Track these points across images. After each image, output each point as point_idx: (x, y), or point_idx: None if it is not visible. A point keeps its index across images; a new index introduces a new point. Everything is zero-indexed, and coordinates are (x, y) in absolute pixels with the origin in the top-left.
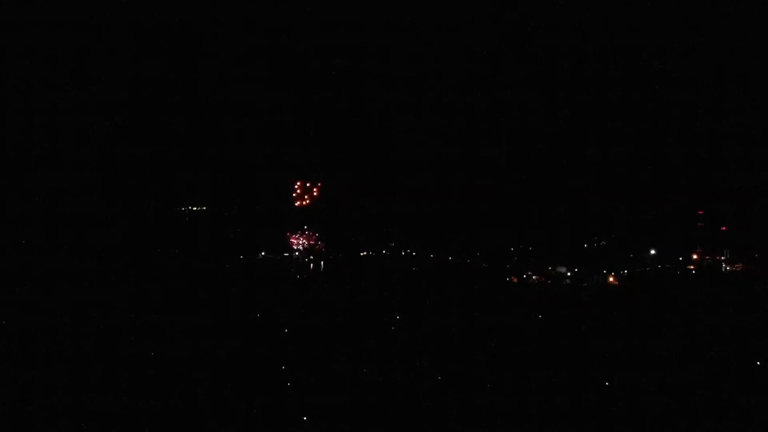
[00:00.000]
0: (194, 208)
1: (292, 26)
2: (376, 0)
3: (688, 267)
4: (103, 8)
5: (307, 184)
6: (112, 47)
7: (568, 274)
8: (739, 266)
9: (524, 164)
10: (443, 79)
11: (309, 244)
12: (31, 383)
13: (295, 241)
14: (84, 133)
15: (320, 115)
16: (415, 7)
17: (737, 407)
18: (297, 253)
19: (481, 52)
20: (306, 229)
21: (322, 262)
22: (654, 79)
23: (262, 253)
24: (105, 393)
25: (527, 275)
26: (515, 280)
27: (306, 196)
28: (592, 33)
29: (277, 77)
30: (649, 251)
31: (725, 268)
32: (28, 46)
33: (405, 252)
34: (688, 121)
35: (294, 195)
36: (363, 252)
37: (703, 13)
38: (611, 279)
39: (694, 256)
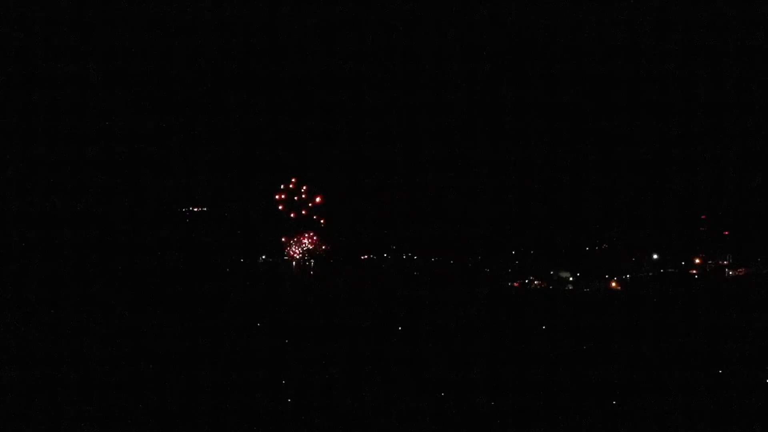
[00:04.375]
0: (194, 209)
1: (290, 25)
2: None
3: (691, 272)
4: (103, 7)
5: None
6: (112, 46)
7: (570, 278)
8: (741, 271)
9: (526, 167)
10: (442, 79)
11: (309, 247)
12: (30, 383)
13: (295, 244)
14: (83, 133)
15: (320, 115)
16: (415, 6)
17: (738, 411)
18: (297, 256)
19: (482, 52)
20: (306, 233)
21: (322, 266)
22: (655, 80)
23: (263, 257)
24: (104, 393)
25: (529, 280)
26: (517, 284)
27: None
28: (593, 32)
29: (277, 77)
30: (651, 256)
31: (728, 272)
32: (26, 45)
33: (406, 256)
34: (689, 122)
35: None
36: (364, 255)
37: (703, 12)
38: (614, 284)
39: (697, 261)
